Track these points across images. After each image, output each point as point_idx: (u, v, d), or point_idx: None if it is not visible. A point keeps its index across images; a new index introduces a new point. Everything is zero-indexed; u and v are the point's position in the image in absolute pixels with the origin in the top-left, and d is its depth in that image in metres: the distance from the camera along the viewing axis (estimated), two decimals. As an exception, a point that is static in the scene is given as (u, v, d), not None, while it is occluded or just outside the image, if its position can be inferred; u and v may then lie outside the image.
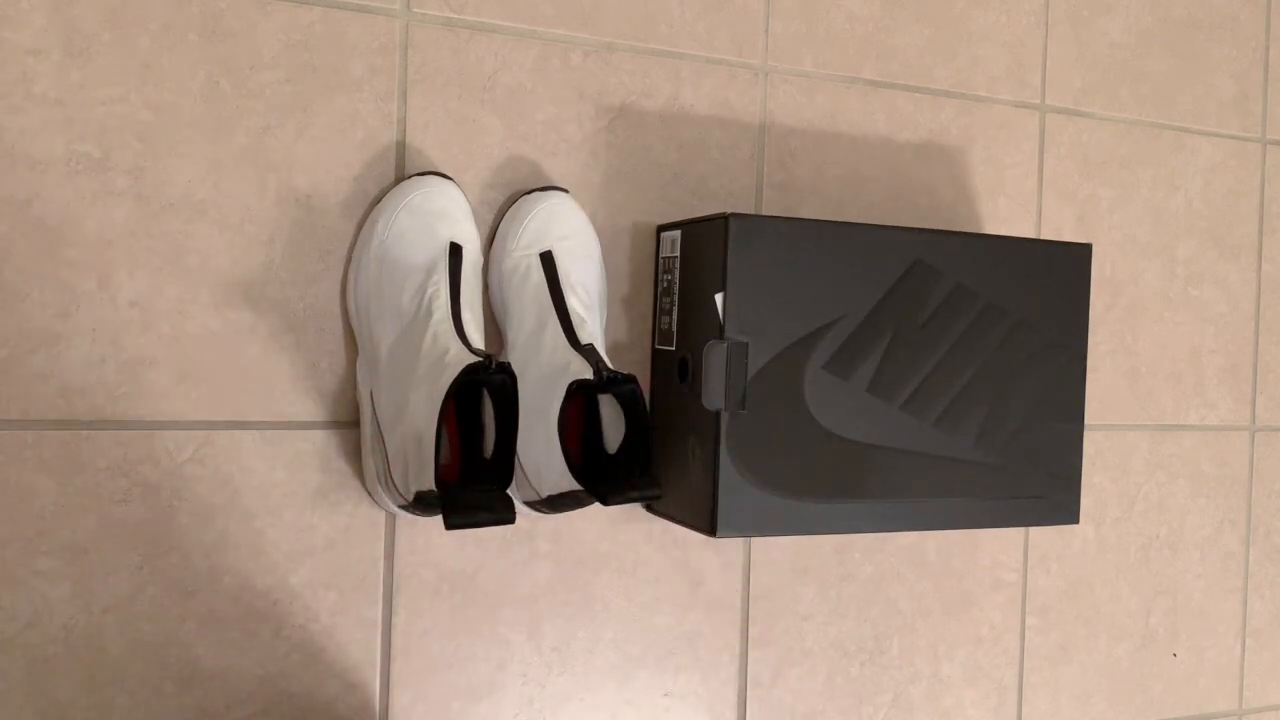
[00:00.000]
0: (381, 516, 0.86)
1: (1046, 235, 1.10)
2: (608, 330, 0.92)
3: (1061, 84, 1.11)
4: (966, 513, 0.93)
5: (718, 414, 0.84)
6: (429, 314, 0.77)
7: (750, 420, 0.85)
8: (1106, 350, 1.14)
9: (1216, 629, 1.21)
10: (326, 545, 0.84)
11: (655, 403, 0.92)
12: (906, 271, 0.90)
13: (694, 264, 0.88)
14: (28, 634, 0.77)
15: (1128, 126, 1.15)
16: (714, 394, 0.84)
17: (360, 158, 0.85)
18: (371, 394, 0.81)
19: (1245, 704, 1.23)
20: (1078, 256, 0.97)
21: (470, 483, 0.75)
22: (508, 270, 0.85)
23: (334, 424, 0.84)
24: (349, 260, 0.84)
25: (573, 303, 0.83)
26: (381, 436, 0.79)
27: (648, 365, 0.94)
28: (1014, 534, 1.10)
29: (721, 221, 0.84)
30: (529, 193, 0.88)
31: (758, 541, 0.98)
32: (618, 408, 0.80)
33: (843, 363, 0.88)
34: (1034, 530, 1.11)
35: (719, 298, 0.84)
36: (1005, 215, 1.08)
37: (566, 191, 0.88)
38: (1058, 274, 0.96)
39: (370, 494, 0.84)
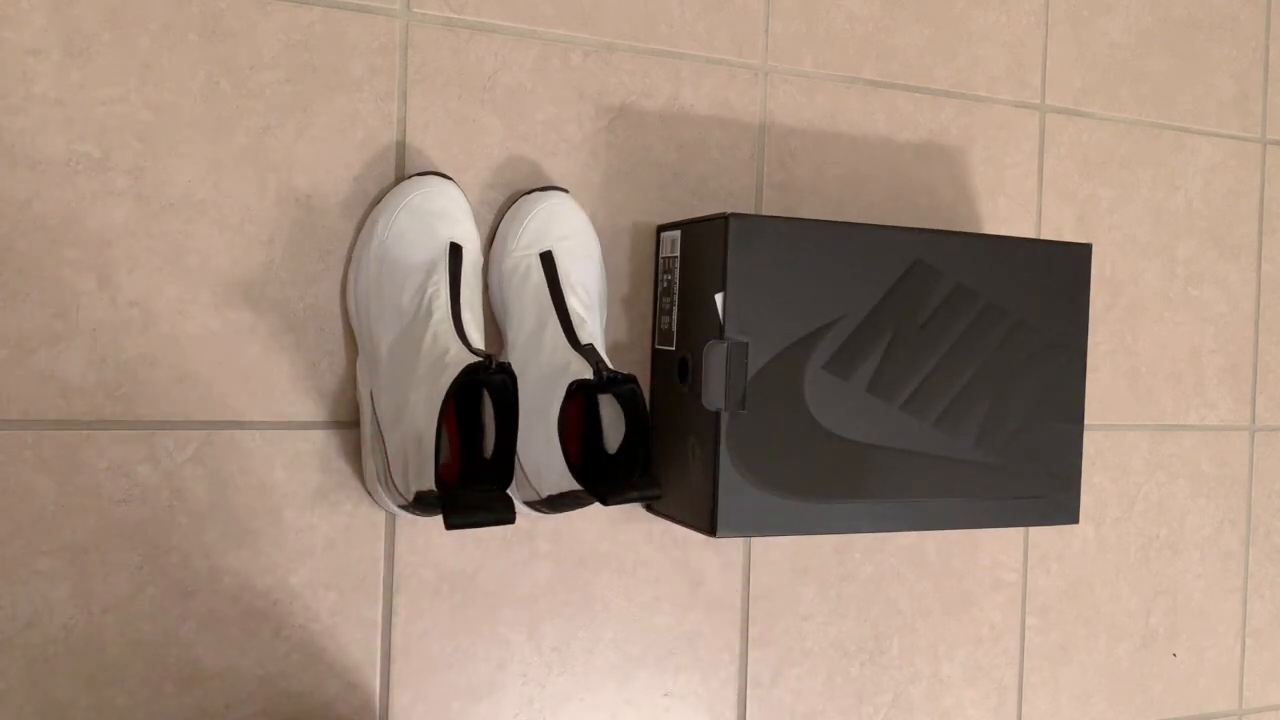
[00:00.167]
0: (381, 516, 0.86)
1: (1046, 235, 1.10)
2: (608, 330, 0.92)
3: (1061, 84, 1.11)
4: (966, 513, 0.93)
5: (718, 414, 0.84)
6: (429, 314, 0.77)
7: (750, 420, 0.85)
8: (1106, 350, 1.14)
9: (1216, 629, 1.21)
10: (326, 545, 0.84)
11: (655, 403, 0.92)
12: (906, 271, 0.90)
13: (694, 264, 0.88)
14: (28, 634, 0.77)
15: (1128, 126, 1.15)
16: (714, 394, 0.84)
17: (360, 158, 0.85)
18: (371, 394, 0.81)
19: (1245, 704, 1.23)
20: (1078, 256, 0.97)
21: (470, 483, 0.75)
22: (508, 270, 0.85)
23: (334, 424, 0.84)
24: (349, 260, 0.84)
25: (573, 303, 0.83)
26: (381, 436, 0.79)
27: (648, 365, 0.94)
28: (1014, 534, 1.10)
29: (721, 221, 0.84)
30: (529, 193, 0.88)
31: (758, 541, 0.98)
32: (618, 408, 0.80)
33: (843, 363, 0.88)
34: (1034, 530, 1.11)
35: (719, 298, 0.84)
36: (1005, 215, 1.08)
37: (566, 191, 0.88)
38: (1058, 274, 0.96)
39: (370, 494, 0.84)
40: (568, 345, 0.80)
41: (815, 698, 1.01)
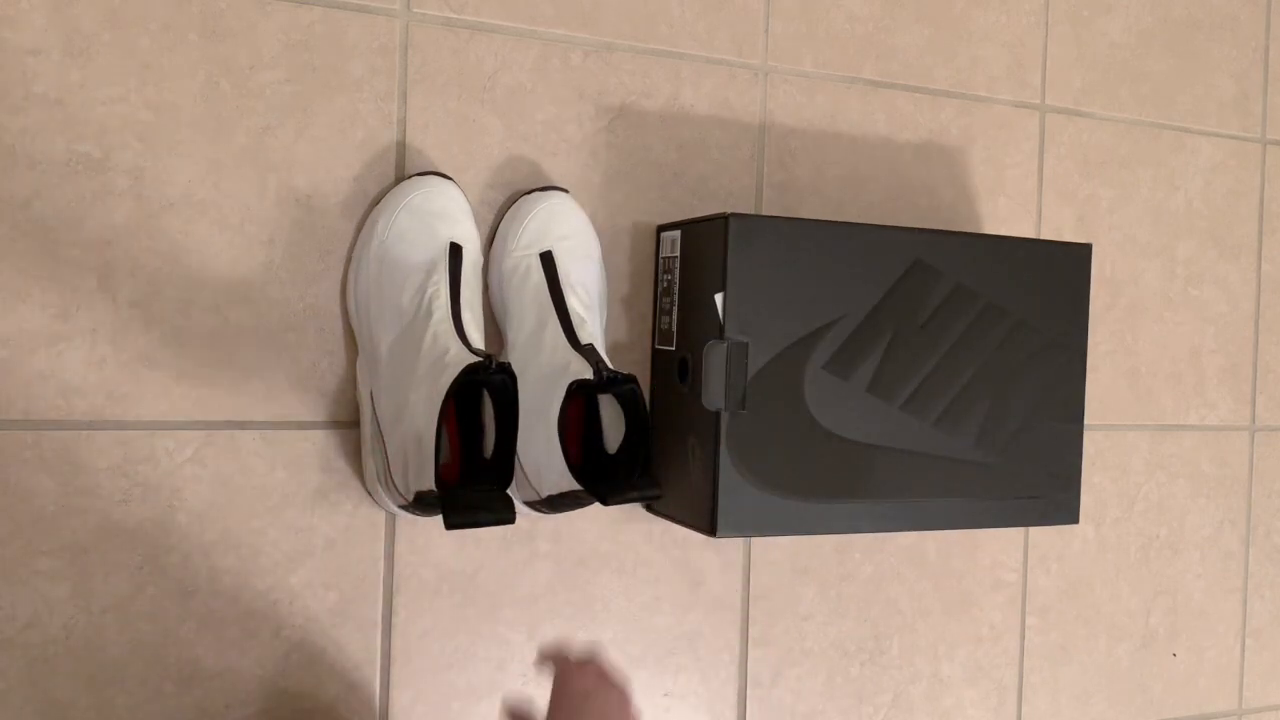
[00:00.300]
0: (381, 516, 0.86)
1: (1046, 235, 1.10)
2: (608, 330, 0.92)
3: (1061, 84, 1.11)
4: (966, 513, 0.93)
5: (718, 414, 0.84)
6: (429, 314, 0.77)
7: (750, 420, 0.85)
8: (1106, 350, 1.14)
9: (1216, 629, 1.21)
10: (326, 545, 0.84)
11: (655, 403, 0.92)
12: (906, 271, 0.90)
13: (694, 264, 0.88)
14: (28, 634, 0.77)
15: (1128, 126, 1.15)
16: (714, 394, 0.84)
17: (360, 158, 0.85)
18: (371, 394, 0.81)
19: (1245, 704, 1.23)
20: (1078, 256, 0.97)
21: (470, 483, 0.75)
22: (508, 270, 0.85)
23: (334, 424, 0.84)
24: (349, 260, 0.84)
25: (573, 303, 0.83)
26: (381, 436, 0.79)
27: (648, 365, 0.94)
28: (1014, 534, 1.10)
29: (721, 221, 0.84)
30: (529, 193, 0.88)
31: (758, 541, 0.98)
32: (618, 408, 0.80)
33: (843, 363, 0.88)
34: (1034, 530, 1.11)
35: (719, 298, 0.84)
36: (1005, 215, 1.08)
37: (566, 191, 0.88)
38: (1058, 274, 0.96)
39: (370, 494, 0.84)
40: (568, 345, 0.80)
41: (815, 698, 1.01)
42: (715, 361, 0.84)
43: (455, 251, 0.81)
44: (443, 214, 0.82)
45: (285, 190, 0.83)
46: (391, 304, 0.79)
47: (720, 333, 0.84)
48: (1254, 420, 1.23)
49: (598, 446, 0.82)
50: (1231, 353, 1.21)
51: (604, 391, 0.78)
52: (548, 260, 0.85)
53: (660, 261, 0.93)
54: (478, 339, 0.79)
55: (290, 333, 0.83)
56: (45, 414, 0.77)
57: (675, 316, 0.90)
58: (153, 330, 0.79)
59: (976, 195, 1.07)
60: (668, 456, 0.89)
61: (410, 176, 0.84)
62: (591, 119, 0.92)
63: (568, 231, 0.86)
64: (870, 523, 0.90)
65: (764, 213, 0.98)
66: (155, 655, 0.80)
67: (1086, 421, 1.11)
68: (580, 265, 0.86)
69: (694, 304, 0.87)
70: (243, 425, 0.82)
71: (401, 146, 0.86)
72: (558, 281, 0.84)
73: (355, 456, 0.85)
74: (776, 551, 0.99)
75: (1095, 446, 1.13)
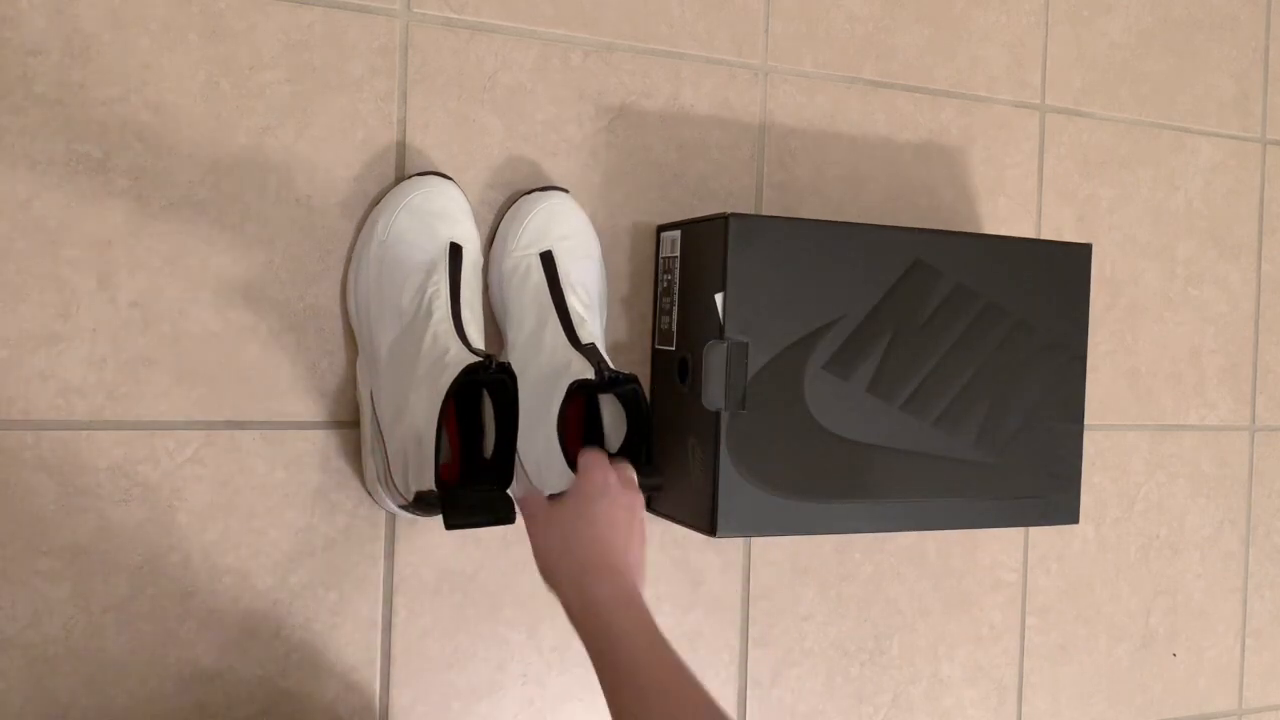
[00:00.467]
0: (381, 516, 0.86)
1: (1046, 235, 1.10)
2: (608, 330, 0.92)
3: (1061, 84, 1.11)
4: (966, 513, 0.93)
5: (718, 414, 0.84)
6: (429, 314, 0.77)
7: (750, 420, 0.85)
8: (1106, 350, 1.14)
9: (1216, 629, 1.21)
10: (326, 545, 0.84)
11: (655, 403, 0.92)
12: (906, 271, 0.90)
13: (694, 264, 0.88)
14: (28, 634, 0.77)
15: (1128, 126, 1.15)
16: (714, 394, 0.84)
17: (360, 158, 0.85)
18: (371, 394, 0.81)
19: (1245, 704, 1.23)
20: (1078, 256, 0.97)
21: (470, 483, 0.75)
22: (508, 270, 0.85)
23: (334, 424, 0.84)
24: (349, 260, 0.84)
25: (573, 302, 0.83)
26: (381, 436, 0.79)
27: (648, 365, 0.94)
28: (1014, 534, 1.10)
29: (721, 221, 0.84)
30: (529, 193, 0.88)
31: (758, 541, 0.98)
32: (619, 407, 0.80)
33: (843, 363, 0.88)
34: (1034, 530, 1.10)
35: (719, 298, 0.84)
36: (1005, 215, 1.08)
37: (566, 191, 0.88)
38: (1058, 274, 0.96)
39: (370, 494, 0.84)
40: (568, 345, 0.80)
41: (815, 698, 1.01)
42: (715, 361, 0.84)
43: (455, 251, 0.81)
44: (443, 214, 0.82)
45: (285, 190, 0.83)
46: (391, 304, 0.79)
47: (720, 333, 0.84)
48: (1254, 420, 1.23)
49: (599, 446, 0.82)
50: (1231, 353, 1.21)
51: (605, 391, 0.78)
52: (548, 260, 0.85)
53: (660, 261, 0.93)
54: (478, 339, 0.79)
55: (290, 333, 0.83)
56: (45, 414, 0.77)
57: (675, 316, 0.90)
58: (152, 330, 0.79)
59: (976, 195, 1.07)
60: (668, 456, 0.89)
61: (410, 176, 0.84)
62: (591, 119, 0.92)
63: (568, 231, 0.86)
64: (870, 523, 0.90)
65: (764, 213, 0.98)
66: (155, 655, 0.80)
67: (1086, 421, 1.11)
68: (580, 265, 0.86)
69: (694, 304, 0.87)
70: (243, 425, 0.82)
71: (401, 146, 0.86)
72: (558, 281, 0.84)
73: (355, 456, 0.85)
74: (776, 551, 0.99)
75: (1095, 446, 1.13)
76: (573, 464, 0.76)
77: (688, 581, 0.96)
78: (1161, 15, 1.17)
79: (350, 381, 0.84)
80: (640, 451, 0.78)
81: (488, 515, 0.71)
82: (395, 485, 0.78)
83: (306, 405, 0.83)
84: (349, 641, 0.85)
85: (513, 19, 0.89)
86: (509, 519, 0.71)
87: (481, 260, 0.85)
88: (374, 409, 0.80)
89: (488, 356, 0.72)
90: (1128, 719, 1.16)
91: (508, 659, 0.90)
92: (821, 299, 0.87)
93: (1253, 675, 1.23)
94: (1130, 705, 1.16)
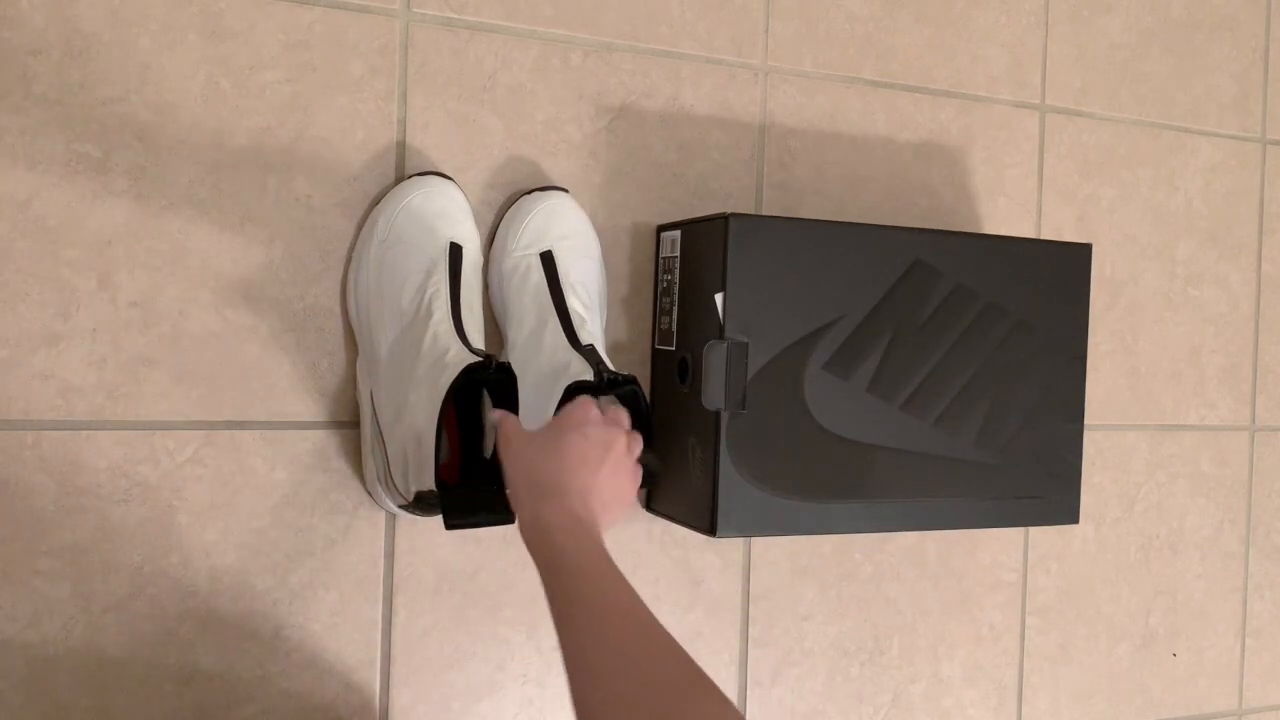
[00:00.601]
0: (381, 516, 0.86)
1: (1046, 235, 1.10)
2: (608, 330, 0.92)
3: (1061, 84, 1.11)
4: (966, 513, 0.93)
5: (718, 414, 0.84)
6: (429, 314, 0.77)
7: (750, 420, 0.85)
8: (1106, 350, 1.14)
9: (1216, 629, 1.21)
10: (326, 545, 0.84)
11: (655, 403, 0.92)
12: (906, 271, 0.90)
13: (694, 264, 0.88)
14: (28, 634, 0.77)
15: (1128, 126, 1.15)
16: (714, 394, 0.84)
17: (360, 158, 0.85)
18: (371, 394, 0.81)
19: (1245, 704, 1.23)
20: (1078, 256, 0.97)
21: (470, 483, 0.75)
22: (508, 270, 0.85)
23: (334, 424, 0.84)
24: (349, 260, 0.84)
25: (573, 302, 0.83)
26: (381, 436, 0.79)
27: (648, 365, 0.94)
28: (1014, 534, 1.10)
29: (721, 221, 0.84)
30: (529, 193, 0.88)
31: (758, 541, 0.98)
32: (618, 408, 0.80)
33: (843, 363, 0.88)
34: (1034, 530, 1.11)
35: (719, 298, 0.84)
36: (1005, 215, 1.08)
37: (566, 191, 0.88)
38: (1058, 274, 0.96)
39: (370, 494, 0.84)
40: (568, 345, 0.80)
41: (815, 698, 1.01)
42: (715, 361, 0.84)
43: (455, 251, 0.81)
44: (443, 214, 0.82)
45: (285, 190, 0.83)
46: (391, 304, 0.79)
47: (720, 333, 0.84)
48: (1254, 420, 1.23)
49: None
50: (1231, 353, 1.21)
51: (604, 392, 0.78)
52: (548, 260, 0.85)
53: (660, 261, 0.93)
54: (478, 339, 0.79)
55: (290, 333, 0.83)
56: (45, 414, 0.77)
57: (675, 316, 0.90)
58: (153, 330, 0.79)
59: (976, 195, 1.07)
60: (668, 456, 0.89)
61: (410, 176, 0.84)
62: (591, 119, 0.92)
63: (568, 231, 0.86)
64: (870, 523, 0.90)
65: (764, 213, 0.98)
66: (155, 655, 0.80)
67: (1086, 421, 1.11)
68: (580, 265, 0.86)
69: (694, 304, 0.87)
70: (243, 425, 0.82)
71: (401, 146, 0.86)
72: (558, 281, 0.84)
73: (355, 456, 0.85)
74: (776, 551, 0.99)
75: (1095, 446, 1.13)
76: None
77: (688, 581, 0.96)
78: (1161, 15, 1.17)
79: (350, 381, 0.85)
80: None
81: (488, 515, 0.71)
82: (395, 485, 0.78)
83: (306, 405, 0.83)
84: (349, 641, 0.85)
85: (513, 19, 0.89)
86: (509, 519, 0.71)
87: (481, 260, 0.85)
88: (374, 409, 0.80)
89: (488, 356, 0.72)
90: (1128, 719, 1.16)
91: (508, 659, 0.90)
92: (821, 299, 0.87)
93: (1253, 675, 1.23)
94: (1130, 705, 1.16)
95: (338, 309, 0.84)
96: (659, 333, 0.93)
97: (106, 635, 0.78)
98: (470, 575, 0.88)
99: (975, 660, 1.08)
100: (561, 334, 0.81)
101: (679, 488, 0.88)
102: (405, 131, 0.86)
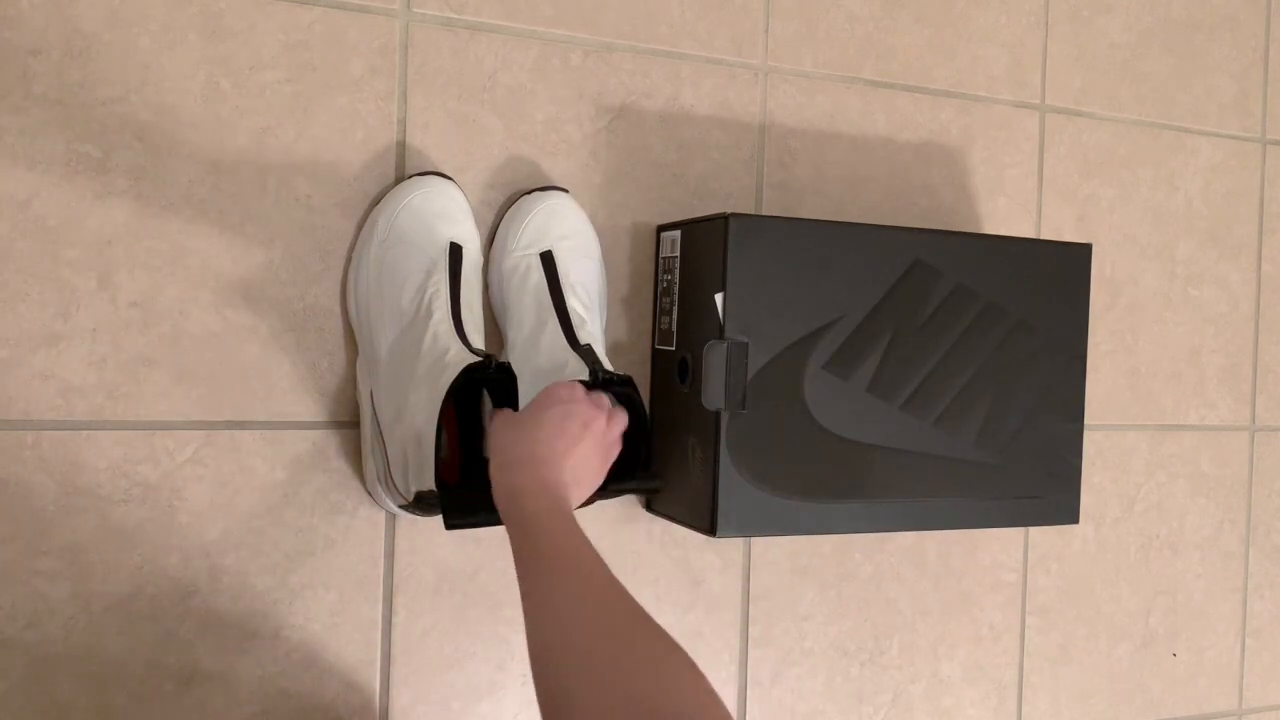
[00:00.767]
0: (381, 516, 0.86)
1: (1046, 235, 1.10)
2: (608, 330, 0.92)
3: (1061, 84, 1.11)
4: (966, 513, 0.93)
5: (718, 414, 0.84)
6: (429, 314, 0.77)
7: (750, 420, 0.85)
8: (1106, 350, 1.14)
9: (1216, 629, 1.21)
10: (326, 545, 0.84)
11: (655, 403, 0.92)
12: (906, 271, 0.90)
13: (694, 264, 0.88)
14: (28, 634, 0.77)
15: (1128, 126, 1.15)
16: (714, 394, 0.84)
17: (360, 158, 0.85)
18: (371, 394, 0.81)
19: (1245, 704, 1.23)
20: (1078, 256, 0.97)
21: (470, 483, 0.75)
22: (507, 270, 0.85)
23: (334, 424, 0.84)
24: (349, 260, 0.84)
25: (573, 303, 0.83)
26: (381, 436, 0.79)
27: (648, 365, 0.94)
28: (1014, 534, 1.10)
29: (721, 221, 0.84)
30: (529, 193, 0.88)
31: (758, 541, 0.98)
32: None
33: (843, 363, 0.88)
34: (1034, 530, 1.11)
35: (719, 298, 0.84)
36: (1005, 215, 1.08)
37: (566, 191, 0.88)
38: (1058, 274, 0.96)
39: (370, 494, 0.84)
40: (566, 345, 0.80)
41: (815, 698, 1.01)
42: (715, 361, 0.84)
43: (455, 251, 0.81)
44: (443, 214, 0.82)
45: (285, 190, 0.83)
46: (391, 304, 0.79)
47: (720, 333, 0.84)
48: (1254, 420, 1.23)
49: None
50: (1231, 353, 1.21)
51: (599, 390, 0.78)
52: (548, 260, 0.85)
53: (660, 261, 0.93)
54: (478, 339, 0.79)
55: (290, 333, 0.83)
56: (45, 414, 0.77)
57: (675, 316, 0.90)
58: (152, 330, 0.79)
59: (976, 195, 1.07)
60: (668, 456, 0.89)
61: (410, 176, 0.84)
62: (591, 119, 0.92)
63: (568, 231, 0.86)
64: (870, 523, 0.90)
65: (764, 213, 0.98)
66: (155, 655, 0.80)
67: (1086, 421, 1.11)
68: (580, 265, 0.86)
69: (694, 304, 0.87)
70: (243, 425, 0.82)
71: (401, 146, 0.86)
72: (558, 281, 0.84)
73: (355, 456, 0.85)
74: (776, 551, 0.99)
75: (1095, 446, 1.13)
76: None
77: (688, 581, 0.96)
78: (1161, 15, 1.17)
79: (350, 381, 0.85)
80: (638, 453, 0.78)
81: (488, 515, 0.71)
82: (395, 485, 0.78)
83: (306, 405, 0.83)
84: (349, 641, 0.85)
85: (512, 19, 0.89)
86: (509, 519, 0.71)
87: (481, 260, 0.85)
88: (374, 409, 0.80)
89: (487, 356, 0.72)
90: (1128, 719, 1.16)
91: (508, 659, 0.90)
92: (821, 299, 0.87)
93: (1253, 675, 1.23)
94: (1130, 705, 1.16)
95: (338, 309, 0.84)
96: (659, 333, 0.93)
97: (106, 635, 0.78)
98: (470, 575, 0.88)
99: (975, 660, 1.08)
100: (561, 334, 0.81)
101: (679, 488, 0.88)
102: (405, 131, 0.86)
